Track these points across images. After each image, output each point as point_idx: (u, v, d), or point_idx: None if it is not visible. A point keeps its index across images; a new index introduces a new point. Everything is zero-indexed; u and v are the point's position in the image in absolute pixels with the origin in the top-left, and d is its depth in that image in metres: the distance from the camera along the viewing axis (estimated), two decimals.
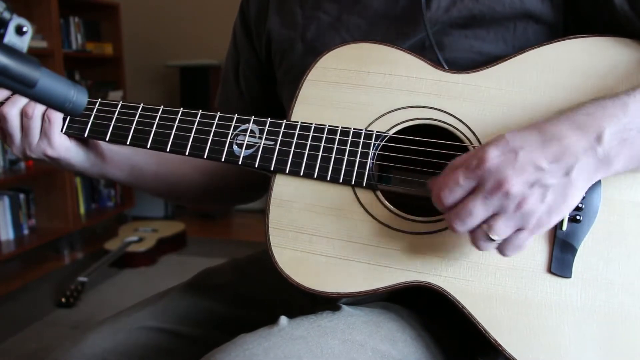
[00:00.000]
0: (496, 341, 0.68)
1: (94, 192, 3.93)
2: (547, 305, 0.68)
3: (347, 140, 0.76)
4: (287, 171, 0.76)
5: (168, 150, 0.80)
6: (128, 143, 0.82)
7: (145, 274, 3.10)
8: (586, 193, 0.69)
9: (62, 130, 0.84)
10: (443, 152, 0.74)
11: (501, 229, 0.61)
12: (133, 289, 2.87)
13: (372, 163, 0.75)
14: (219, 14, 4.05)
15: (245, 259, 1.02)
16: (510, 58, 0.75)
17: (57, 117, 0.82)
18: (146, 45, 4.48)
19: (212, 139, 0.79)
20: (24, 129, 0.82)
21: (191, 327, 0.89)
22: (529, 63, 0.74)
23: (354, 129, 0.76)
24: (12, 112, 0.81)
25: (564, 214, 0.62)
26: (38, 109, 0.81)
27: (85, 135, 0.83)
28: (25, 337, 2.41)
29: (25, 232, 3.35)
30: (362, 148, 0.75)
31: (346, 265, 0.72)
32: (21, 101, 0.81)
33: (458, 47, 0.78)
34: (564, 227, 0.69)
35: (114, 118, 0.83)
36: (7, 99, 0.82)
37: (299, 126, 0.78)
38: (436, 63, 0.77)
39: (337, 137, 0.76)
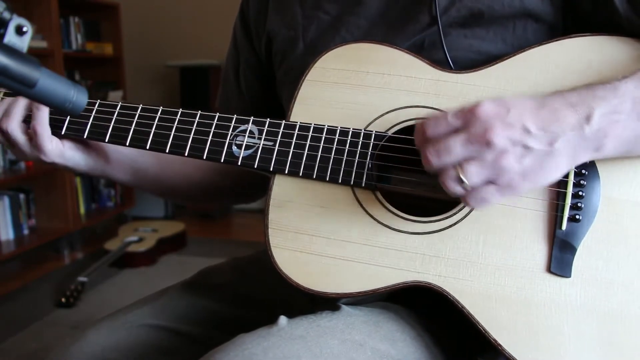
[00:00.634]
0: (496, 341, 0.68)
1: (94, 192, 3.93)
2: (547, 304, 0.68)
3: (346, 140, 0.76)
4: (286, 171, 0.77)
5: (167, 151, 0.81)
6: (127, 144, 0.82)
7: (145, 274, 3.10)
8: (585, 192, 0.69)
9: (62, 132, 0.84)
10: None
11: (473, 174, 0.60)
12: (133, 289, 2.87)
13: (371, 163, 0.75)
14: (219, 14, 4.05)
15: (245, 259, 1.02)
16: (510, 57, 0.75)
17: (42, 129, 0.82)
18: (146, 45, 4.48)
19: (211, 140, 0.79)
20: (9, 142, 0.84)
21: (190, 326, 0.89)
22: (528, 62, 0.74)
23: (353, 129, 0.76)
24: (14, 124, 0.83)
25: (537, 183, 0.62)
26: (12, 125, 0.82)
27: (85, 137, 0.84)
28: (25, 337, 2.41)
29: (25, 232, 3.35)
30: (361, 148, 0.75)
31: (345, 266, 0.72)
32: (20, 108, 0.83)
33: (457, 47, 0.78)
34: (564, 227, 0.69)
35: (113, 119, 0.83)
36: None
37: (298, 126, 0.78)
38: (435, 63, 0.77)
39: (336, 137, 0.76)
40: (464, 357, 0.81)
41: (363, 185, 0.74)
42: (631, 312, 0.67)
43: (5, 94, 0.87)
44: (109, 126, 0.83)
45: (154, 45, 4.47)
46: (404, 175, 0.77)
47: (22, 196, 3.33)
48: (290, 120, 0.79)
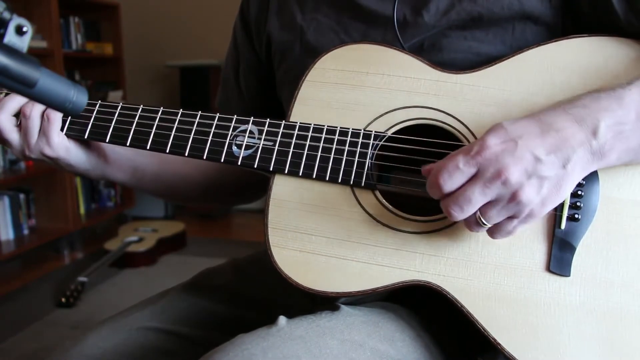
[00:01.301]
0: (495, 340, 0.68)
1: (94, 192, 3.93)
2: (546, 303, 0.68)
3: (346, 140, 0.76)
4: (286, 171, 0.77)
5: (167, 151, 0.81)
6: (128, 144, 0.82)
7: (145, 274, 3.10)
8: (585, 191, 0.69)
9: (63, 132, 0.84)
10: (441, 152, 0.74)
11: (494, 217, 0.62)
12: (133, 289, 2.87)
13: (371, 163, 0.75)
14: (219, 14, 4.05)
15: (245, 259, 1.02)
16: (509, 58, 0.75)
17: (56, 117, 0.82)
18: (146, 45, 4.48)
19: (211, 140, 0.80)
20: (22, 128, 0.82)
21: (191, 328, 0.89)
22: (527, 63, 0.75)
23: (352, 129, 0.77)
24: (3, 116, 0.82)
25: (556, 204, 0.63)
26: (36, 110, 0.81)
27: (86, 137, 0.84)
28: (25, 337, 2.41)
29: (25, 232, 3.35)
30: (360, 148, 0.76)
31: (345, 265, 0.73)
32: (21, 99, 0.82)
33: (457, 49, 0.79)
34: (563, 226, 0.69)
35: (114, 119, 0.83)
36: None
37: (297, 126, 0.78)
38: (434, 64, 0.77)
39: (336, 137, 0.77)
40: (463, 357, 0.82)
41: (362, 184, 0.74)
42: (631, 311, 0.67)
43: (6, 95, 0.87)
44: (110, 126, 0.83)
45: (154, 45, 4.48)
46: (404, 174, 0.78)
47: (22, 196, 3.33)
48: (290, 120, 0.79)
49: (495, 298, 0.69)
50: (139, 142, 0.82)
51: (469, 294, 0.70)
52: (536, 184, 0.61)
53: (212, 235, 3.92)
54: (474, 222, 0.63)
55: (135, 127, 0.82)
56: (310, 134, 0.77)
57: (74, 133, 0.84)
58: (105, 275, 3.03)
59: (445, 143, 0.74)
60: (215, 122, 0.80)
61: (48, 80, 0.53)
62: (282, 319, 0.70)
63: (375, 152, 0.76)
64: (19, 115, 0.83)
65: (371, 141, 0.76)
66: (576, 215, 0.69)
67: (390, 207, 0.74)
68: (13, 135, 0.83)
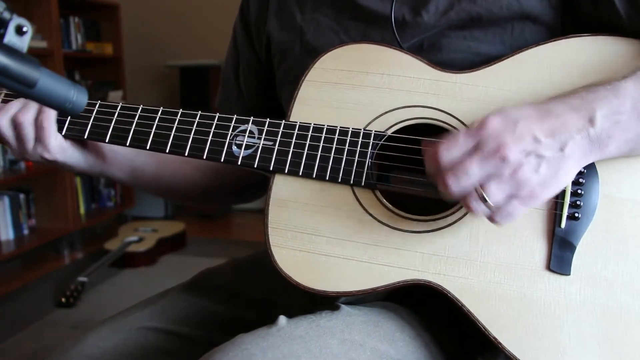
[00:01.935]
0: (496, 339, 0.68)
1: (94, 192, 3.93)
2: (547, 302, 0.68)
3: (346, 139, 0.76)
4: (286, 171, 0.77)
5: (167, 151, 0.81)
6: (128, 144, 0.82)
7: (145, 274, 3.10)
8: (584, 190, 0.69)
9: (62, 133, 0.84)
10: None
11: (495, 192, 0.61)
12: (133, 289, 2.87)
13: (371, 162, 0.75)
14: (219, 14, 4.05)
15: (245, 259, 1.03)
16: (508, 57, 0.75)
17: (49, 123, 0.82)
18: (146, 45, 4.48)
19: (211, 140, 0.80)
20: (17, 136, 0.84)
21: (191, 328, 0.89)
22: (527, 62, 0.75)
23: (352, 128, 0.77)
24: (2, 122, 0.82)
25: (556, 189, 0.63)
26: (28, 117, 0.82)
27: (85, 137, 0.84)
28: (25, 337, 2.41)
29: (25, 232, 3.34)
30: (360, 147, 0.76)
31: (345, 265, 0.73)
32: (12, 109, 0.82)
33: (456, 48, 0.79)
34: (563, 225, 0.69)
35: (114, 119, 0.83)
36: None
37: (297, 126, 0.78)
38: (434, 63, 0.77)
39: (336, 136, 0.77)
40: (464, 356, 0.82)
41: (362, 184, 0.74)
42: (631, 310, 0.67)
43: (7, 95, 0.88)
44: (109, 126, 0.83)
45: (154, 45, 4.48)
46: (404, 174, 0.78)
47: (22, 196, 3.33)
48: (290, 120, 0.79)
49: (495, 297, 0.69)
50: (138, 142, 0.82)
51: (469, 293, 0.70)
52: (534, 162, 0.61)
53: (212, 235, 3.92)
54: (476, 199, 0.62)
55: (135, 127, 0.82)
56: (310, 133, 0.77)
57: (73, 133, 0.84)
58: (105, 275, 3.03)
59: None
60: (215, 122, 0.80)
61: (48, 80, 0.53)
62: (282, 319, 0.70)
63: (375, 151, 0.76)
64: None
65: (371, 141, 0.76)
66: (576, 214, 0.69)
67: (390, 206, 0.74)
68: (12, 140, 0.84)
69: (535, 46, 0.75)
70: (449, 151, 0.62)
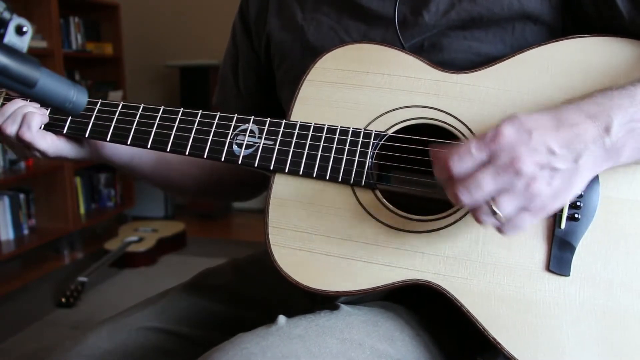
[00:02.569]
0: (495, 339, 0.68)
1: (94, 192, 3.93)
2: (546, 303, 0.68)
3: (346, 139, 0.76)
4: (286, 170, 0.77)
5: (168, 150, 0.81)
6: (129, 143, 0.83)
7: (145, 274, 3.10)
8: (585, 191, 0.69)
9: (63, 131, 0.85)
10: None
11: (506, 205, 0.60)
12: (133, 289, 2.87)
13: (371, 162, 0.75)
14: (219, 14, 4.05)
15: (245, 259, 1.03)
16: (509, 58, 0.75)
17: (32, 135, 0.84)
18: (146, 45, 4.48)
19: (211, 139, 0.80)
20: (9, 145, 0.87)
21: (191, 328, 0.89)
22: (528, 63, 0.75)
23: (353, 128, 0.77)
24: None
25: (567, 200, 0.62)
26: (11, 131, 0.84)
27: (87, 136, 0.84)
28: (25, 337, 2.41)
29: (25, 232, 3.34)
30: (361, 147, 0.76)
31: (345, 264, 0.73)
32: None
33: (457, 48, 0.79)
34: (563, 226, 0.69)
35: (115, 118, 0.84)
36: None
37: (298, 126, 0.78)
38: (435, 63, 0.77)
39: (336, 136, 0.77)
40: (463, 357, 0.82)
41: (363, 184, 0.75)
42: (630, 310, 0.67)
43: (6, 95, 0.88)
44: (111, 125, 0.83)
45: (154, 45, 4.48)
46: (404, 174, 0.78)
47: (22, 196, 3.33)
48: (291, 119, 0.79)
49: (494, 297, 0.69)
50: (139, 141, 0.82)
51: (468, 293, 0.70)
52: (548, 175, 0.60)
53: (212, 235, 3.92)
54: (485, 211, 0.61)
55: (136, 126, 0.83)
56: (310, 133, 0.77)
57: (74, 132, 0.85)
58: (105, 275, 3.03)
59: (445, 143, 0.74)
60: (215, 121, 0.80)
61: (48, 80, 0.53)
62: (281, 318, 0.70)
63: (376, 151, 0.76)
64: None
65: (371, 140, 0.76)
66: (576, 215, 0.69)
67: (390, 206, 0.74)
68: (7, 146, 0.88)
69: (536, 46, 0.75)
70: (462, 162, 0.60)
